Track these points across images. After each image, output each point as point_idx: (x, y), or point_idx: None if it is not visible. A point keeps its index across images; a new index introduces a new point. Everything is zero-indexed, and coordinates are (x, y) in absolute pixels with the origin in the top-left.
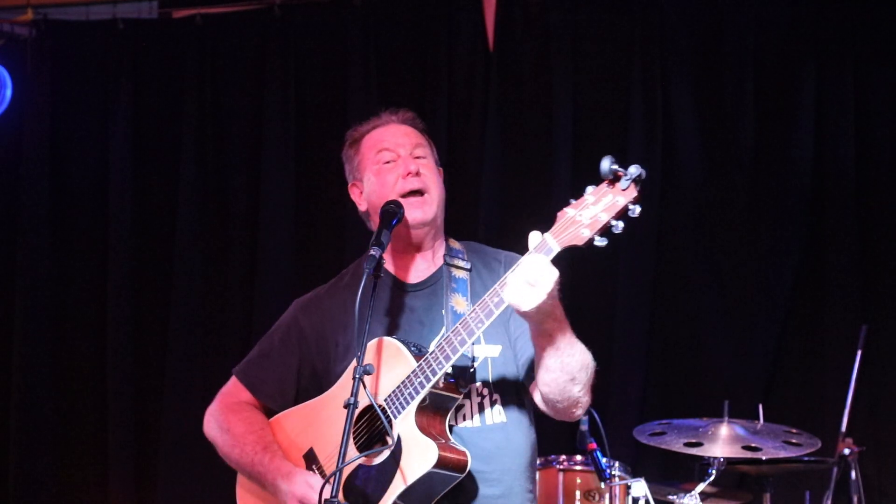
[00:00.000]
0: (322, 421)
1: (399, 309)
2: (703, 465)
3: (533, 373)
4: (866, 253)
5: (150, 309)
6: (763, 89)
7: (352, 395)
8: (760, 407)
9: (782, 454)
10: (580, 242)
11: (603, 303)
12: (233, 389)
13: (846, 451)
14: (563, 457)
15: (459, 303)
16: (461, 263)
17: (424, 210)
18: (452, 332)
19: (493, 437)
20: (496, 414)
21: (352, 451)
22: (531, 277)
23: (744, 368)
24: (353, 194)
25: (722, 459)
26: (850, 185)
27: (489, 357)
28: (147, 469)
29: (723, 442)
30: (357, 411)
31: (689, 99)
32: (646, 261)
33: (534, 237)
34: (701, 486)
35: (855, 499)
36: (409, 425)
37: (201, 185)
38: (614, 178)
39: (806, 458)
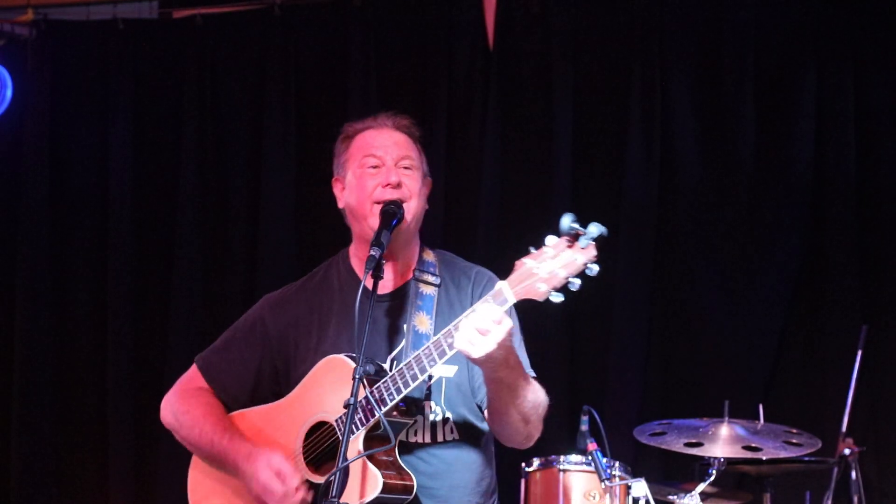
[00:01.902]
0: (275, 427)
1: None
2: (703, 465)
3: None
4: (866, 253)
5: (150, 309)
6: (763, 89)
7: (352, 396)
8: (760, 407)
9: (782, 454)
10: (537, 297)
11: (602, 303)
12: (192, 376)
13: (846, 451)
14: (563, 457)
15: (423, 322)
16: (430, 279)
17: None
18: (405, 365)
19: (443, 454)
20: (447, 432)
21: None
22: (482, 326)
23: (744, 368)
24: (336, 188)
25: (722, 459)
26: (850, 185)
27: (444, 377)
28: (147, 470)
29: (723, 442)
30: (307, 427)
31: (688, 99)
32: (645, 260)
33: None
34: (701, 486)
35: (855, 499)
36: (357, 450)
37: (201, 184)
38: (574, 236)
39: (806, 458)
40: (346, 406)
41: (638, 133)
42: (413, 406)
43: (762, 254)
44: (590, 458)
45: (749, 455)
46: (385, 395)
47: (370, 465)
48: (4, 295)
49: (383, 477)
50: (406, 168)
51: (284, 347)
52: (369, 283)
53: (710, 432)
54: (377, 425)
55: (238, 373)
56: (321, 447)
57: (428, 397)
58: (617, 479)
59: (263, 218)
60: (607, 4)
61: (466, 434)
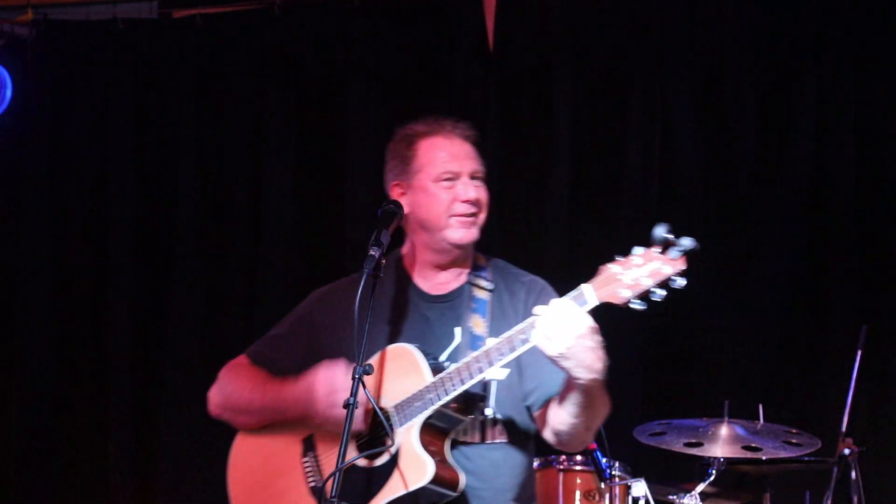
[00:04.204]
0: None
1: (415, 317)
2: (703, 465)
3: (540, 404)
4: (866, 253)
5: (150, 310)
6: (763, 91)
7: (351, 395)
8: (760, 407)
9: (782, 454)
10: (618, 301)
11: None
12: (238, 360)
13: (846, 451)
14: (563, 457)
15: (478, 324)
16: (484, 284)
17: (469, 231)
18: (473, 358)
19: (491, 455)
20: (497, 433)
21: (351, 451)
22: (560, 322)
23: (744, 368)
24: (394, 192)
25: (722, 459)
26: (849, 185)
27: (496, 379)
28: (147, 471)
29: (723, 442)
30: (363, 410)
31: (688, 99)
32: None
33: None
34: (701, 486)
35: (855, 499)
36: (412, 438)
37: (201, 185)
38: (665, 246)
39: (806, 458)
40: (346, 406)
41: (638, 133)
42: (470, 403)
43: (762, 254)
44: (590, 458)
45: (749, 455)
46: (448, 385)
47: (422, 453)
48: (5, 295)
49: (436, 467)
50: (478, 180)
51: (329, 340)
52: (368, 283)
53: (710, 432)
54: (433, 415)
55: (285, 360)
56: (375, 432)
57: (483, 401)
58: (617, 479)
59: (263, 218)
60: (607, 5)
61: (514, 437)
